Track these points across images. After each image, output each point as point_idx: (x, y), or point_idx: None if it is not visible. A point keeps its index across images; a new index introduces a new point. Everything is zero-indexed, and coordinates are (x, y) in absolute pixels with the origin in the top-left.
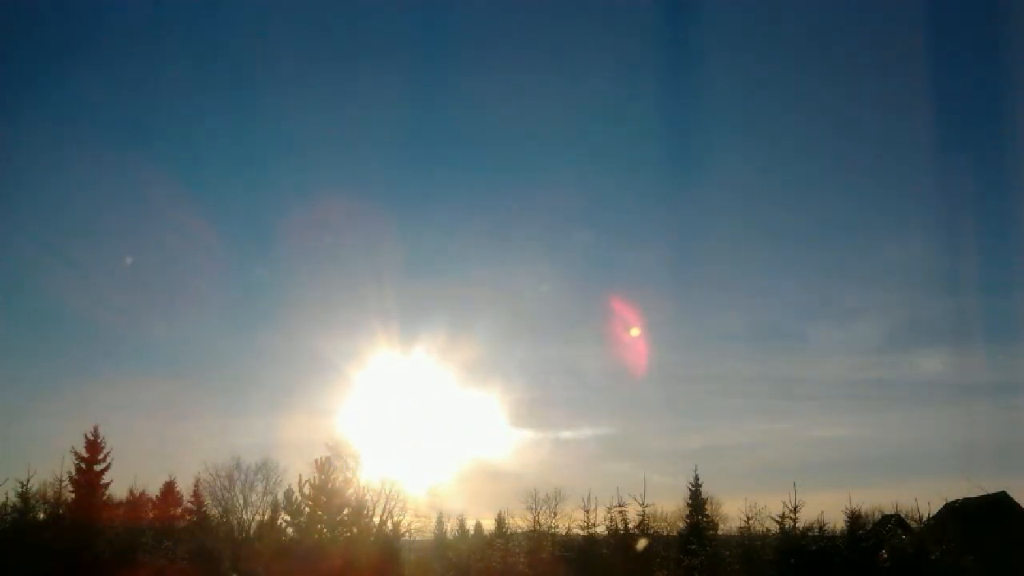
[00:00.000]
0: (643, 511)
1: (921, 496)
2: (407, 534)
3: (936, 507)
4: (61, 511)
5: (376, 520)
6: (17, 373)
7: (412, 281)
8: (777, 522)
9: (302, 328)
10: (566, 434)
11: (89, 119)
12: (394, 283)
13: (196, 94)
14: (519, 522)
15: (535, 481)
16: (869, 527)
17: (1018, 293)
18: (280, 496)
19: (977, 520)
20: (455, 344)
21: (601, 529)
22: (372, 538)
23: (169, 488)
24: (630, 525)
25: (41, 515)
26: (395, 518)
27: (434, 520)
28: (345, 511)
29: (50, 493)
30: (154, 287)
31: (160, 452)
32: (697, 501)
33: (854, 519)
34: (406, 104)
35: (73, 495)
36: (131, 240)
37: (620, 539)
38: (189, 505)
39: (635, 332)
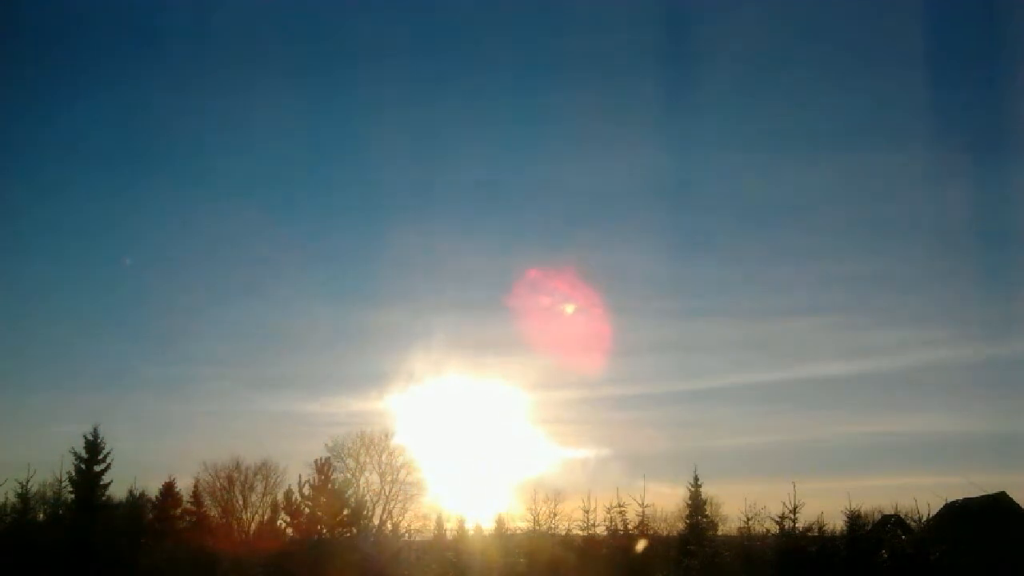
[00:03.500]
0: (643, 511)
1: (921, 496)
2: (407, 534)
3: (936, 507)
4: (61, 512)
5: (376, 521)
6: (17, 373)
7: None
8: (777, 523)
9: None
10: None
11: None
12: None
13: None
14: (519, 523)
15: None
16: (869, 527)
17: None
18: (280, 497)
19: (977, 520)
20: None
21: (601, 530)
22: (372, 538)
23: (169, 489)
24: (630, 525)
25: (41, 515)
26: (395, 519)
27: (433, 521)
28: (345, 512)
29: (50, 494)
30: (161, 289)
31: (162, 452)
32: (697, 501)
33: (854, 519)
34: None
35: (73, 496)
36: (134, 241)
37: (620, 539)
38: (189, 506)
39: (570, 309)
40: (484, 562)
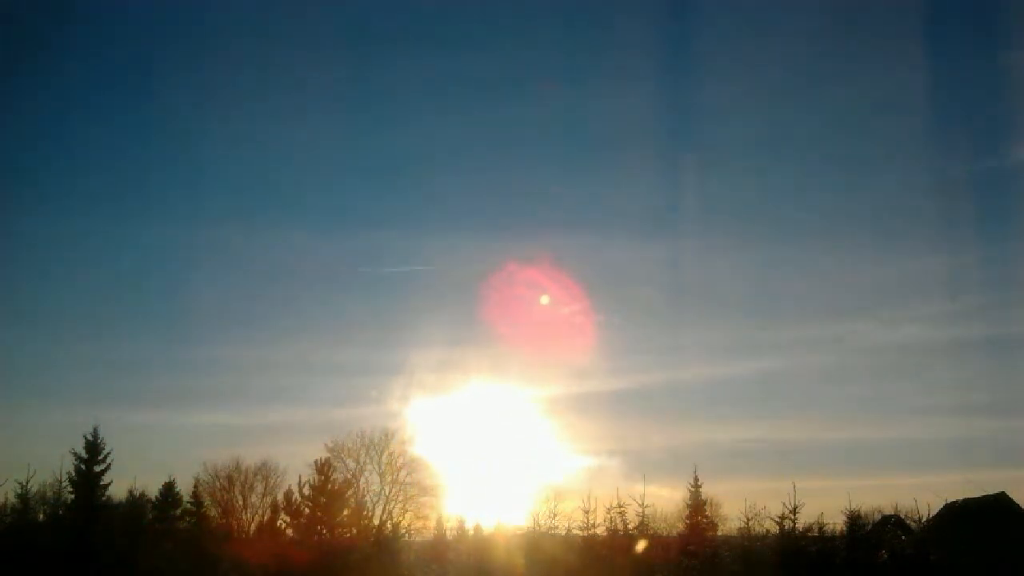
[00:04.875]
0: (642, 512)
1: (921, 496)
2: (407, 534)
3: (936, 507)
4: (60, 512)
5: (376, 521)
6: (17, 374)
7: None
8: (777, 523)
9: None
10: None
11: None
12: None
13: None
14: (521, 524)
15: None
16: (869, 528)
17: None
18: (280, 497)
19: (977, 520)
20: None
21: (601, 530)
22: (372, 538)
23: (168, 489)
24: (630, 526)
25: (40, 516)
26: (395, 519)
27: (433, 521)
28: (344, 512)
29: (49, 494)
30: (163, 290)
31: (162, 453)
32: (696, 502)
33: (854, 520)
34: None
35: (72, 496)
36: (136, 241)
37: (620, 540)
38: (189, 506)
39: (545, 300)
40: (484, 563)
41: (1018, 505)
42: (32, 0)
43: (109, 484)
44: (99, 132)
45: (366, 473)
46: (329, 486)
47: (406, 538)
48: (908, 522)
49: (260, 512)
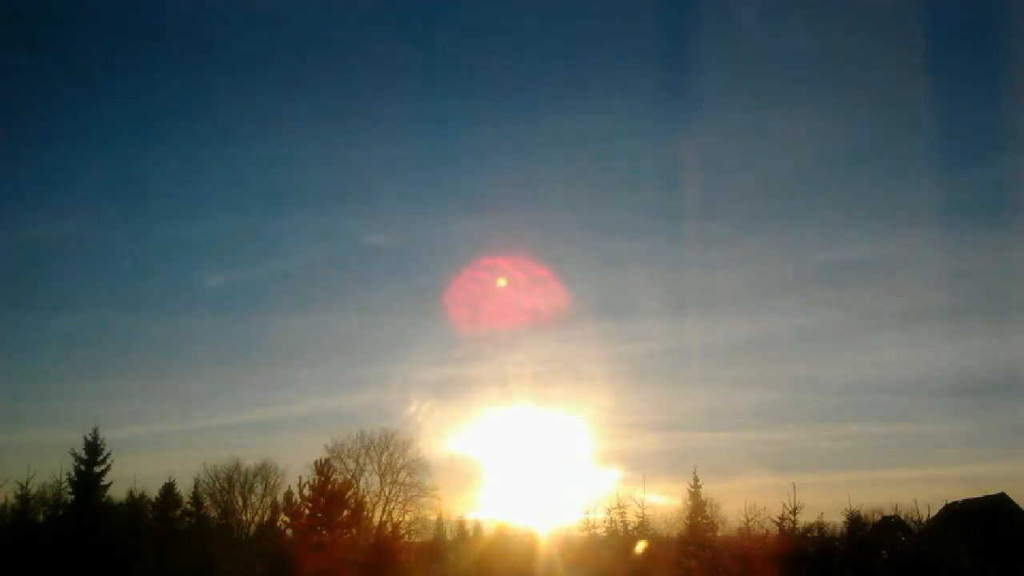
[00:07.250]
0: (643, 512)
1: (920, 494)
2: (407, 535)
3: (936, 508)
4: (60, 513)
5: (376, 522)
6: (18, 375)
7: None
8: (777, 524)
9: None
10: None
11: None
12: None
13: None
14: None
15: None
16: (869, 528)
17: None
18: (279, 498)
19: (977, 521)
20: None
21: (601, 531)
22: (372, 539)
23: (168, 490)
24: (630, 527)
25: (40, 517)
26: (394, 519)
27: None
28: (345, 513)
29: (49, 495)
30: (164, 288)
31: (162, 453)
32: (696, 502)
33: (853, 520)
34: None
35: (72, 497)
36: (136, 240)
37: (619, 540)
38: (188, 507)
39: (502, 283)
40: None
41: (1018, 506)
42: None
43: (109, 485)
44: (102, 149)
45: (366, 474)
46: (329, 487)
47: (406, 538)
48: (908, 523)
49: (260, 513)
